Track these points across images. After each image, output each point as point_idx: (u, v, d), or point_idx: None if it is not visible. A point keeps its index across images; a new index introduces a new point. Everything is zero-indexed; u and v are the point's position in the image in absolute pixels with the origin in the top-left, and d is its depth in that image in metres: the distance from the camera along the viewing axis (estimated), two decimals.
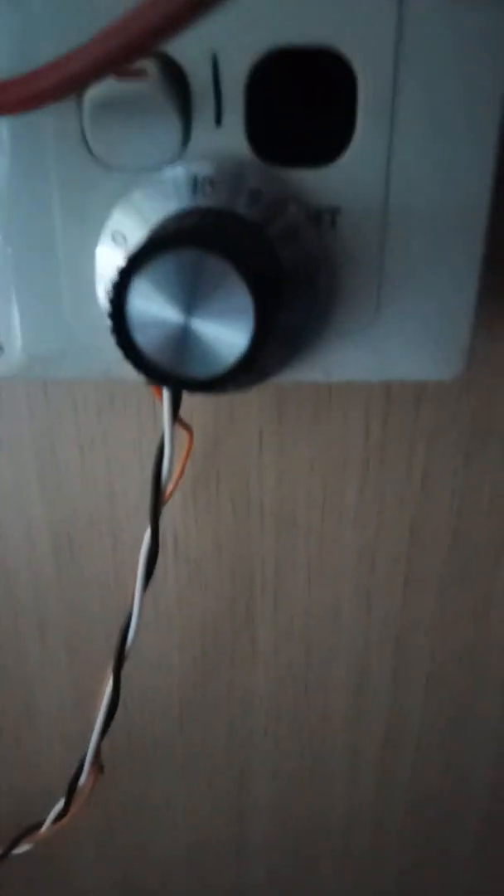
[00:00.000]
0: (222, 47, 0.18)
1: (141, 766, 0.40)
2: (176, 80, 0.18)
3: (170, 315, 0.17)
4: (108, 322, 0.17)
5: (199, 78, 0.18)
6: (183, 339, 0.17)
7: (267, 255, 0.17)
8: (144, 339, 0.17)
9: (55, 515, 0.33)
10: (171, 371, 0.16)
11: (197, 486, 0.32)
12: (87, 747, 0.33)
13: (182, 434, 0.27)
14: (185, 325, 0.17)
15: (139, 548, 0.33)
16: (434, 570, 0.33)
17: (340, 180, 0.19)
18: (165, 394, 0.23)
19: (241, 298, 0.16)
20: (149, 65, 0.18)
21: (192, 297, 0.16)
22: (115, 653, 0.26)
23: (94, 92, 0.18)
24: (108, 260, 0.20)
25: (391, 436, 0.31)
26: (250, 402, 0.30)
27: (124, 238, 0.19)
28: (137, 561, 0.33)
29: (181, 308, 0.16)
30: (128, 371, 0.21)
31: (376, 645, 0.36)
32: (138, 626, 0.26)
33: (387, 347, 0.21)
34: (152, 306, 0.16)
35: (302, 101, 0.19)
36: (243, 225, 0.18)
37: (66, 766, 0.40)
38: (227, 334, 0.16)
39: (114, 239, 0.19)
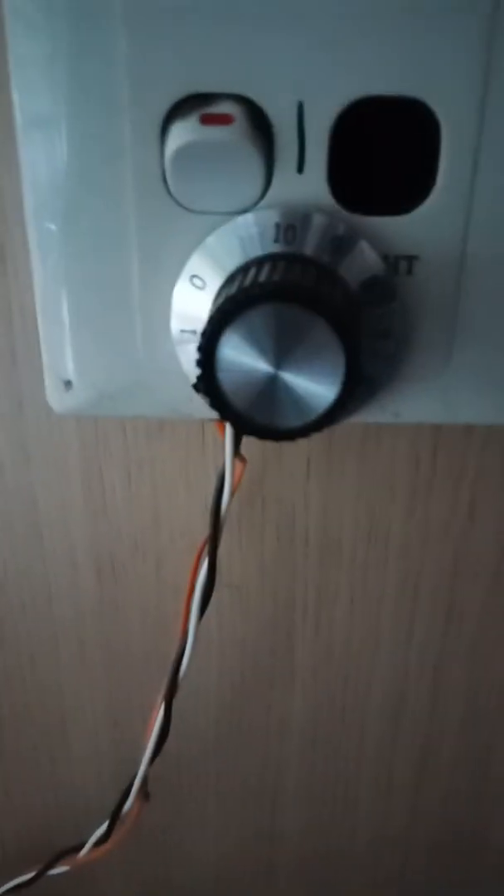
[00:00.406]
0: (309, 95, 0.18)
1: (173, 788, 0.40)
2: (260, 126, 0.18)
3: (259, 366, 0.17)
4: (195, 370, 0.17)
5: (284, 125, 0.18)
6: (271, 390, 0.17)
7: (351, 306, 0.17)
8: (232, 389, 0.17)
9: (99, 538, 0.33)
10: (257, 420, 0.16)
11: (242, 511, 0.32)
12: (134, 772, 0.33)
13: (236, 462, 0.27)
14: (274, 376, 0.17)
15: (183, 573, 0.33)
16: (476, 602, 0.33)
17: (420, 228, 0.19)
18: (228, 430, 0.23)
19: (333, 352, 0.16)
20: (234, 110, 0.18)
21: (282, 349, 0.16)
22: (168, 682, 0.26)
23: (178, 135, 0.18)
24: (186, 301, 0.20)
25: (440, 467, 0.31)
26: None
27: (203, 281, 0.19)
28: (180, 586, 0.33)
29: (270, 359, 0.17)
30: (195, 409, 0.22)
31: (415, 674, 0.35)
32: (192, 656, 0.26)
33: (457, 392, 0.21)
34: (241, 357, 0.17)
35: (383, 148, 0.19)
36: (328, 274, 0.18)
37: (100, 787, 0.40)
38: (315, 386, 0.17)
39: (192, 281, 0.19)
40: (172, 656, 0.35)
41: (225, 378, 0.17)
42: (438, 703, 0.36)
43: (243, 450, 0.30)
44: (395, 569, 0.33)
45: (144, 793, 0.28)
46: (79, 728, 0.38)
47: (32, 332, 0.29)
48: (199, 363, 0.17)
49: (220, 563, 0.33)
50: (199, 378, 0.17)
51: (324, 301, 0.16)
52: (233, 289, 0.17)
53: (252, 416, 0.17)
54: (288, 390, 0.17)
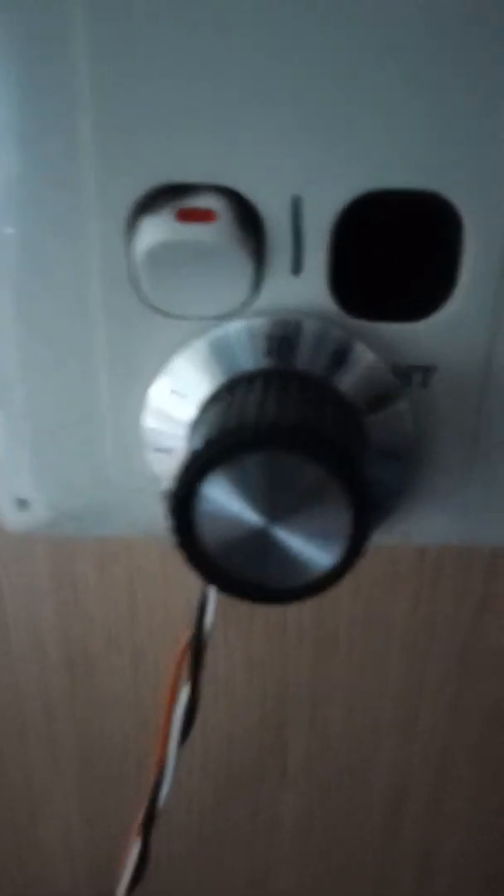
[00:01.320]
0: (307, 189, 0.15)
1: (154, 886, 0.36)
2: (248, 222, 0.15)
3: (247, 518, 0.14)
4: (169, 521, 0.14)
5: (276, 221, 0.15)
6: (261, 547, 0.14)
7: (357, 442, 0.15)
8: (213, 545, 0.14)
9: (71, 632, 0.30)
10: (243, 581, 0.14)
11: (228, 603, 0.29)
12: (110, 875, 0.29)
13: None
14: (265, 531, 0.14)
15: (162, 668, 0.30)
16: (483, 700, 0.31)
17: (437, 336, 0.16)
18: None
19: (338, 511, 0.13)
20: (217, 204, 0.15)
21: (276, 500, 0.13)
22: (145, 811, 0.23)
23: (149, 233, 0.15)
24: (163, 413, 0.17)
25: (448, 557, 0.28)
26: None
27: (181, 396, 0.16)
28: (160, 681, 0.30)
29: (262, 511, 0.14)
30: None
31: (417, 778, 0.33)
32: (172, 786, 0.23)
33: (476, 513, 0.18)
34: (226, 507, 0.14)
35: (393, 245, 0.16)
36: (329, 398, 0.15)
37: (74, 889, 0.37)
38: (316, 542, 0.14)
39: (169, 394, 0.17)
40: (150, 752, 0.32)
41: (205, 530, 0.14)
42: (442, 809, 0.33)
43: None
44: (398, 663, 0.30)
45: None
46: (48, 830, 0.35)
47: None
48: (173, 511, 0.14)
49: (206, 658, 0.31)
50: (172, 528, 0.14)
51: (328, 449, 0.13)
52: (216, 420, 0.14)
53: (239, 576, 0.14)
54: (282, 548, 0.14)
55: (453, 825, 0.34)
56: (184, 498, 0.14)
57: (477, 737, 0.31)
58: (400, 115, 0.14)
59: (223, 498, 0.14)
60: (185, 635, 0.25)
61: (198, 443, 0.14)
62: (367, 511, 0.13)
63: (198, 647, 0.21)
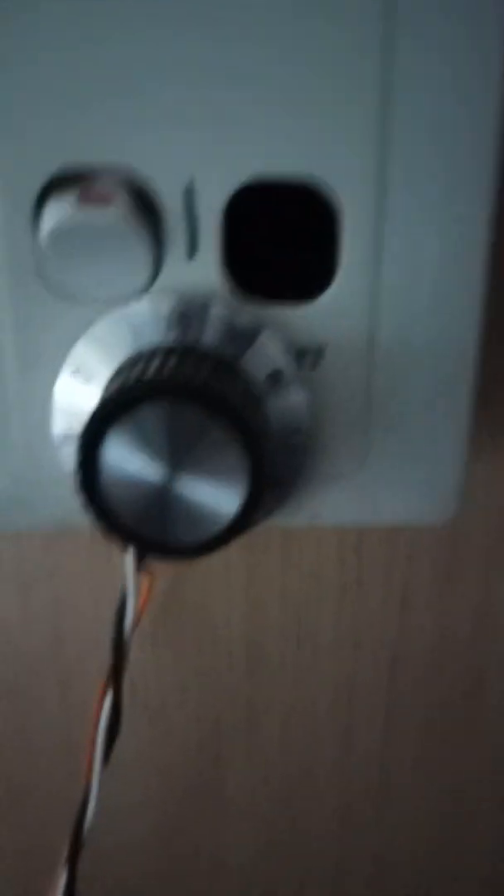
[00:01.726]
0: (198, 175, 0.16)
1: None
2: (145, 207, 0.16)
3: (149, 473, 0.14)
4: (75, 476, 0.15)
5: (172, 206, 0.16)
6: (164, 501, 0.14)
7: (254, 402, 0.15)
8: (118, 499, 0.14)
9: None
10: (148, 535, 0.14)
11: (157, 624, 0.29)
12: None
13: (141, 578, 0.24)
14: (167, 485, 0.14)
15: (91, 697, 0.29)
16: (417, 700, 0.31)
17: (324, 317, 0.17)
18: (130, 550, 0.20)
19: (234, 455, 0.14)
20: (116, 189, 0.16)
21: (175, 453, 0.14)
22: (70, 840, 0.22)
23: (52, 220, 0.16)
24: (69, 398, 0.17)
25: (367, 561, 0.28)
26: None
27: (88, 375, 0.17)
28: (90, 713, 0.30)
29: (163, 465, 0.14)
30: (84, 519, 0.19)
31: (358, 789, 0.32)
32: (97, 808, 0.23)
33: (376, 492, 0.19)
34: (129, 462, 0.14)
35: (283, 232, 0.17)
36: (227, 368, 0.16)
37: None
38: (215, 495, 0.14)
39: (75, 375, 0.17)
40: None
41: (110, 486, 0.14)
42: (388, 816, 0.33)
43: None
44: (329, 672, 0.30)
45: None
46: None
47: None
48: (79, 466, 0.14)
49: (135, 683, 0.30)
50: (79, 488, 0.14)
51: (221, 397, 0.14)
52: (118, 383, 0.15)
53: (144, 531, 0.14)
54: (184, 502, 0.14)
55: (402, 842, 0.34)
56: (87, 456, 0.14)
57: (413, 740, 0.31)
58: (281, 110, 0.16)
59: (124, 456, 0.14)
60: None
61: (92, 411, 0.15)
62: (261, 451, 0.13)
63: (119, 649, 0.21)
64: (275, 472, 0.17)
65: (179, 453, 0.14)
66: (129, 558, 0.20)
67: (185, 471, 0.14)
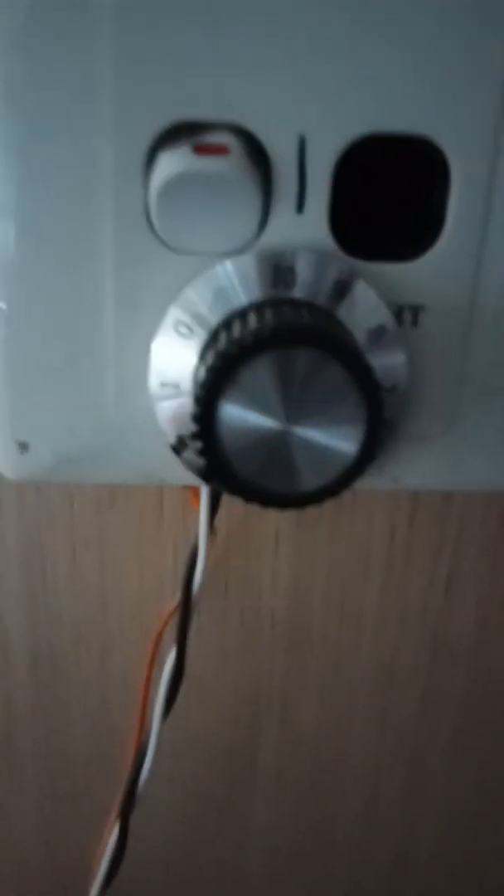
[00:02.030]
0: (311, 130, 0.16)
1: None
2: (258, 160, 0.16)
3: (267, 423, 0.14)
4: (175, 429, 0.15)
5: (283, 160, 0.16)
6: (283, 449, 0.14)
7: (362, 353, 0.15)
8: (236, 452, 0.14)
9: (37, 625, 0.29)
10: (269, 487, 0.14)
11: (203, 593, 0.29)
12: None
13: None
14: (285, 434, 0.14)
15: (132, 665, 0.29)
16: (454, 686, 0.31)
17: (426, 277, 0.17)
18: (203, 498, 0.20)
19: (352, 399, 0.14)
20: (230, 140, 0.16)
21: (293, 401, 0.14)
22: (123, 796, 0.22)
23: (167, 166, 0.16)
24: (168, 351, 0.17)
25: (417, 540, 0.29)
26: None
27: (189, 329, 0.17)
28: (129, 680, 0.30)
29: (280, 414, 0.14)
30: (173, 474, 0.19)
31: (388, 770, 0.32)
32: (153, 766, 0.23)
33: (462, 456, 0.19)
34: (247, 414, 0.14)
35: (390, 188, 0.17)
36: (334, 320, 0.16)
37: None
38: (332, 444, 0.14)
39: (176, 329, 0.17)
40: (119, 762, 0.31)
41: (228, 439, 0.14)
42: (413, 801, 0.33)
43: None
44: (369, 652, 0.30)
45: None
46: (6, 849, 0.33)
47: None
48: (197, 421, 0.14)
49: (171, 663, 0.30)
50: (196, 438, 0.14)
51: (336, 341, 0.14)
52: (233, 335, 0.15)
53: (263, 481, 0.14)
54: (303, 448, 0.14)
55: (424, 827, 0.34)
56: (206, 407, 0.14)
57: (449, 727, 0.32)
58: (394, 66, 0.16)
59: (242, 406, 0.14)
60: (169, 605, 0.25)
61: (212, 359, 0.15)
62: (378, 393, 0.14)
63: (187, 604, 0.21)
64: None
65: (296, 401, 0.14)
66: (204, 515, 0.20)
67: (302, 418, 0.14)
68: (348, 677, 0.30)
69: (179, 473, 0.18)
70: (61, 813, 0.32)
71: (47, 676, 0.30)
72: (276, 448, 0.14)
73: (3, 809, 0.32)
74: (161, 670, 0.25)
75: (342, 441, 0.14)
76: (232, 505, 0.28)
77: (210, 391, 0.14)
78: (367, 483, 0.20)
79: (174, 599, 0.25)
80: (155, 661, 0.24)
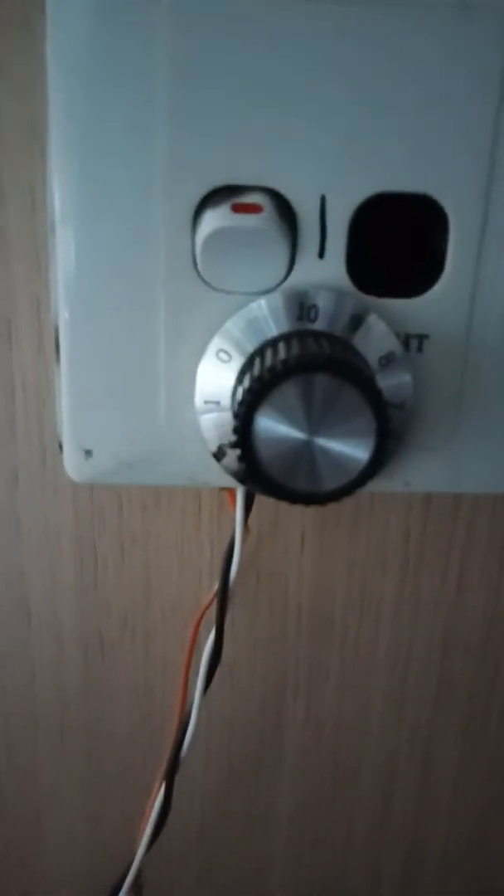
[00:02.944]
0: (331, 190, 0.20)
1: (154, 881, 0.37)
2: (286, 215, 0.20)
3: (294, 434, 0.17)
4: (216, 438, 0.18)
5: (307, 214, 0.20)
6: (308, 456, 0.17)
7: (373, 377, 0.19)
8: (269, 458, 0.17)
9: (88, 615, 0.32)
10: (297, 487, 0.17)
11: (235, 587, 0.32)
12: (113, 871, 0.31)
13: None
14: (310, 443, 0.17)
15: (173, 652, 0.33)
16: (465, 676, 0.34)
17: (430, 310, 0.21)
18: (239, 498, 0.24)
19: (363, 413, 0.17)
20: (263, 200, 0.19)
21: (315, 416, 0.17)
22: (169, 761, 0.25)
23: (211, 221, 0.19)
24: (211, 374, 0.21)
25: (430, 540, 0.31)
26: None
27: (229, 355, 0.20)
28: (170, 666, 0.33)
29: (305, 427, 0.17)
30: (213, 477, 0.22)
31: (405, 754, 0.35)
32: (195, 735, 0.26)
33: (465, 463, 0.22)
34: (277, 426, 0.17)
35: (396, 236, 0.20)
36: (349, 348, 0.19)
37: (75, 890, 0.37)
38: (347, 451, 0.17)
39: (218, 355, 0.20)
40: (161, 742, 0.34)
41: (262, 448, 0.17)
42: (429, 784, 0.36)
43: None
44: (386, 643, 0.33)
45: (138, 886, 0.27)
46: (52, 824, 0.36)
47: (33, 405, 0.29)
48: (237, 432, 0.17)
49: (210, 643, 0.33)
50: (235, 447, 0.18)
51: (351, 368, 0.17)
52: (266, 362, 0.18)
53: (290, 483, 0.17)
54: (324, 454, 0.17)
55: (440, 811, 0.36)
56: (245, 421, 0.17)
57: (461, 712, 0.34)
58: (403, 137, 0.19)
59: (274, 420, 0.17)
60: (207, 597, 0.28)
61: (249, 382, 0.18)
62: (384, 409, 0.17)
63: (224, 590, 0.24)
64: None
65: (318, 416, 0.17)
66: (239, 513, 0.23)
67: (323, 430, 0.17)
68: (367, 666, 0.33)
69: (219, 477, 0.22)
70: (106, 789, 0.36)
71: (96, 662, 0.33)
72: (301, 455, 0.17)
73: (53, 786, 0.35)
74: (199, 654, 0.28)
75: (356, 449, 0.17)
76: (263, 509, 0.31)
77: (248, 408, 0.18)
78: (382, 486, 0.23)
79: (211, 591, 0.28)
80: (195, 644, 0.27)
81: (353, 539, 0.31)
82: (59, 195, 0.20)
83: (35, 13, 0.24)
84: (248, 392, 0.17)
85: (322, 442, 0.17)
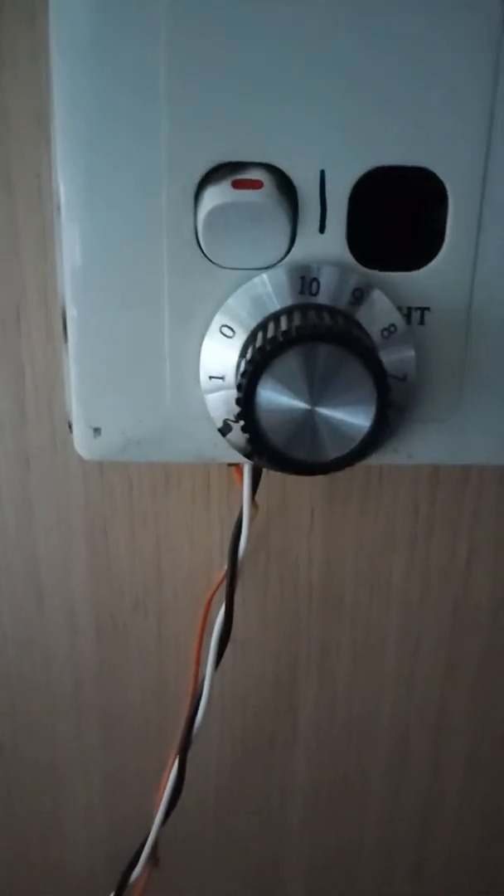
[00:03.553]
0: (330, 165, 0.20)
1: (168, 861, 0.38)
2: (286, 191, 0.20)
3: (296, 404, 0.18)
4: (222, 414, 0.18)
5: (307, 190, 0.20)
6: (310, 426, 0.18)
7: (375, 348, 0.19)
8: (272, 428, 0.18)
9: (101, 597, 0.33)
10: (300, 457, 0.17)
11: (246, 565, 0.33)
12: (130, 848, 0.31)
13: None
14: (311, 413, 0.18)
15: (185, 631, 0.33)
16: (475, 650, 0.34)
17: (431, 283, 0.21)
18: (246, 473, 0.24)
19: (365, 384, 0.17)
20: (263, 176, 0.20)
21: (317, 386, 0.18)
22: (182, 736, 0.26)
23: (212, 198, 0.20)
24: (215, 350, 0.21)
25: (438, 516, 0.32)
26: (302, 482, 0.31)
27: (233, 330, 0.21)
28: (182, 645, 0.33)
29: (307, 397, 0.18)
30: (220, 453, 0.22)
31: (416, 730, 0.35)
32: (208, 709, 0.26)
33: (468, 435, 0.22)
34: (280, 396, 0.18)
35: (396, 210, 0.21)
36: (351, 320, 0.19)
37: (91, 868, 0.38)
38: (349, 421, 0.18)
39: (221, 331, 0.21)
40: (172, 718, 0.34)
41: (265, 418, 0.18)
42: (440, 758, 0.36)
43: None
44: (396, 619, 0.33)
45: (154, 858, 0.27)
46: (71, 803, 0.37)
47: (42, 390, 0.30)
48: (240, 403, 0.18)
49: (221, 620, 0.34)
50: (239, 418, 0.18)
51: (352, 338, 0.17)
52: (268, 334, 0.18)
53: (293, 453, 0.18)
54: (325, 424, 0.18)
55: (451, 784, 0.37)
56: (248, 391, 0.18)
57: (470, 685, 0.35)
58: (399, 110, 0.19)
59: (276, 391, 0.18)
60: (217, 576, 0.28)
61: (251, 353, 0.18)
62: (385, 379, 0.17)
63: (233, 567, 0.24)
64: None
65: (320, 386, 0.18)
66: (246, 488, 0.24)
67: (325, 400, 0.18)
68: (378, 641, 0.34)
69: (226, 452, 0.22)
70: (120, 766, 0.36)
71: (109, 641, 0.34)
72: (303, 424, 0.18)
73: (69, 762, 0.36)
74: (211, 632, 0.29)
75: (358, 418, 0.18)
76: (271, 487, 0.32)
77: (250, 378, 0.18)
78: (386, 459, 0.23)
79: (221, 570, 0.29)
80: (206, 623, 0.27)
81: (363, 516, 0.32)
82: (63, 177, 0.20)
83: (38, 3, 0.24)
84: (250, 363, 0.18)
85: (324, 411, 0.18)
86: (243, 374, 0.18)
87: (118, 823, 0.37)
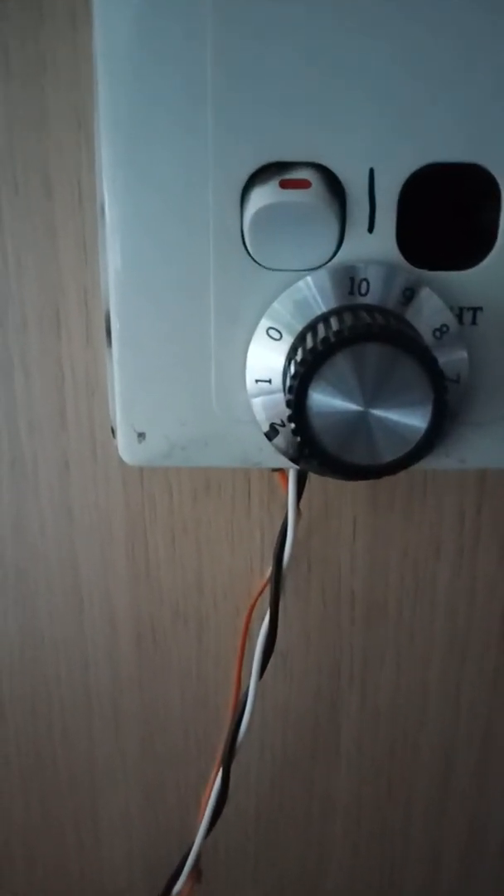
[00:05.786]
0: (379, 163, 0.19)
1: (211, 870, 0.37)
2: (334, 190, 0.20)
3: (349, 406, 0.17)
4: (268, 418, 0.18)
5: (356, 188, 0.20)
6: (364, 428, 0.17)
7: (428, 347, 0.18)
8: (324, 431, 0.17)
9: (140, 604, 0.33)
10: (353, 461, 0.17)
11: (287, 573, 0.32)
12: (168, 856, 0.31)
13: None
14: (365, 415, 0.17)
15: (225, 639, 0.33)
16: None
17: (483, 282, 0.20)
18: (291, 479, 0.24)
19: (420, 384, 0.17)
20: (311, 176, 0.19)
21: (370, 387, 0.17)
22: (225, 747, 0.25)
23: (259, 198, 0.19)
24: (261, 353, 0.21)
25: (485, 523, 0.31)
26: (345, 489, 0.31)
27: (279, 333, 0.20)
28: (222, 653, 0.33)
29: (360, 399, 0.17)
30: (266, 458, 0.22)
31: (463, 741, 0.34)
32: (251, 720, 0.26)
33: None
34: (333, 399, 0.17)
35: (447, 208, 0.20)
36: (403, 321, 0.19)
37: (130, 876, 0.38)
38: (404, 422, 0.17)
39: (268, 333, 0.20)
40: (213, 728, 0.34)
41: (317, 421, 0.17)
42: (489, 771, 0.35)
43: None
44: (442, 629, 0.33)
45: (197, 871, 0.27)
46: (108, 810, 0.36)
47: (82, 395, 0.29)
48: (291, 406, 0.17)
49: (265, 629, 0.33)
50: (290, 421, 0.17)
51: (406, 337, 0.16)
52: (319, 335, 0.18)
53: (346, 456, 0.17)
54: (380, 426, 0.17)
55: (499, 801, 0.36)
56: (299, 393, 0.17)
57: None
58: (451, 105, 0.19)
59: (329, 393, 0.17)
60: (259, 583, 0.28)
61: (301, 354, 0.18)
62: (442, 380, 0.16)
63: (278, 574, 0.24)
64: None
65: (374, 387, 0.17)
66: (292, 494, 0.23)
67: (378, 401, 0.17)
68: (423, 653, 0.33)
69: (271, 457, 0.22)
70: (160, 775, 0.36)
71: (149, 650, 0.33)
72: (357, 427, 0.17)
73: (108, 770, 0.36)
74: (252, 641, 0.28)
75: (413, 420, 0.17)
76: (313, 495, 0.31)
77: (302, 380, 0.17)
78: (438, 463, 0.23)
79: (262, 578, 0.28)
80: (248, 632, 0.27)
81: (407, 523, 0.31)
82: (107, 179, 0.20)
83: (79, 5, 0.24)
84: (301, 364, 0.17)
85: (378, 413, 0.17)
86: (294, 376, 0.17)
87: (157, 832, 0.37)
